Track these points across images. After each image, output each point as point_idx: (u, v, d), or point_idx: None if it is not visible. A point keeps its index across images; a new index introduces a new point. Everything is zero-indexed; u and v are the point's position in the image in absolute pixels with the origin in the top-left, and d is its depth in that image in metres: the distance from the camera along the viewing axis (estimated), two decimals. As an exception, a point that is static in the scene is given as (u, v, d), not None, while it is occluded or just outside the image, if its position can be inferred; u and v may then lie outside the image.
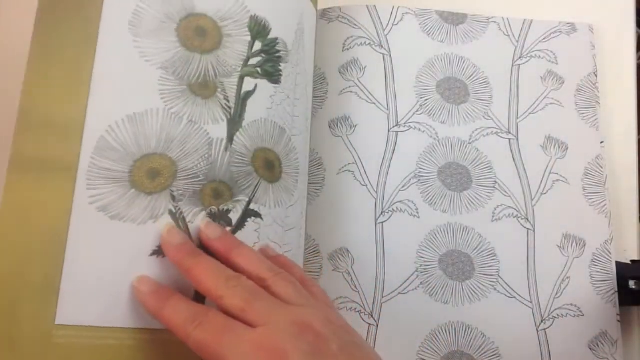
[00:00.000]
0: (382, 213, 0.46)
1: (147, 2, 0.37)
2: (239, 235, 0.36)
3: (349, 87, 0.49)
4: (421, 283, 0.45)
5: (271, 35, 0.41)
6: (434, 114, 0.49)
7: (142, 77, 0.36)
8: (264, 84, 0.39)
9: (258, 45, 0.40)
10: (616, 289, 0.45)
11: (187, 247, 0.33)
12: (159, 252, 0.34)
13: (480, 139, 0.49)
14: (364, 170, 0.47)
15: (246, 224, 0.37)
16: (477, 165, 0.48)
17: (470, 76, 0.51)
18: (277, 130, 0.40)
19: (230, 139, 0.37)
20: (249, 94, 0.39)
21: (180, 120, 0.36)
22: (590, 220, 0.47)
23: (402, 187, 0.47)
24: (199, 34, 0.38)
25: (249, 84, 0.39)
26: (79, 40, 0.36)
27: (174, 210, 0.35)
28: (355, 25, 0.51)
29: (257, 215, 0.37)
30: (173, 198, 0.35)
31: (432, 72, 0.50)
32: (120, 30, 0.36)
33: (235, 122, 0.38)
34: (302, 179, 0.42)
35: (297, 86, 0.42)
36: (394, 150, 0.48)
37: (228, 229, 0.36)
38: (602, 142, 0.49)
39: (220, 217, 0.36)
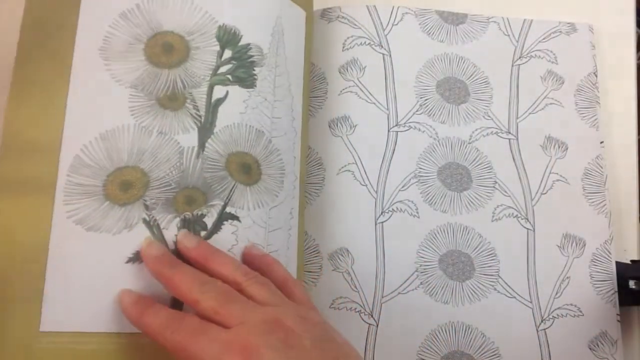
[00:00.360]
0: (382, 213, 0.46)
1: (116, 27, 0.40)
2: (216, 238, 0.37)
3: (349, 87, 0.49)
4: (421, 283, 0.45)
5: (242, 42, 0.42)
6: (434, 114, 0.49)
7: (113, 97, 0.38)
8: (236, 89, 0.41)
9: (228, 53, 0.41)
10: (616, 289, 0.45)
11: (166, 258, 0.34)
12: (134, 259, 0.35)
13: (480, 139, 0.49)
14: (364, 170, 0.47)
15: (222, 227, 0.38)
16: (477, 165, 0.48)
17: (470, 76, 0.51)
18: (253, 134, 0.41)
19: (202, 146, 0.39)
20: (220, 101, 0.40)
21: (150, 133, 0.38)
22: (590, 220, 0.47)
23: (402, 187, 0.47)
24: (166, 50, 0.40)
25: (219, 91, 0.40)
26: (55, 69, 0.39)
27: (148, 219, 0.36)
28: (355, 25, 0.51)
29: (233, 217, 0.38)
30: (146, 207, 0.37)
31: (432, 72, 0.50)
32: (92, 56, 0.39)
33: (206, 129, 0.39)
34: (289, 178, 0.42)
35: (276, 88, 0.43)
36: (394, 150, 0.48)
37: (203, 233, 0.37)
38: (602, 142, 0.49)
39: (194, 222, 0.37)
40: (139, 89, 0.39)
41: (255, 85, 0.42)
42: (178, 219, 0.37)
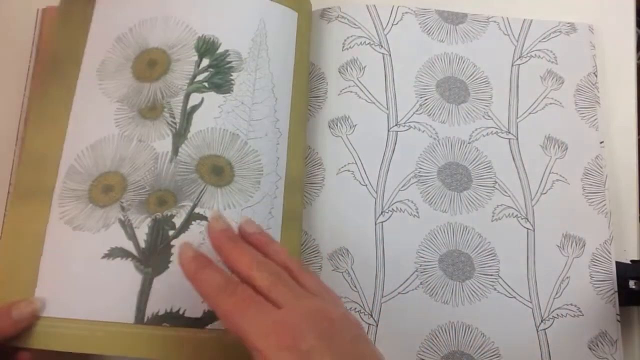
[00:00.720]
0: (382, 213, 0.46)
1: (112, 51, 0.45)
2: (184, 236, 0.40)
3: (349, 86, 0.49)
4: (421, 283, 0.45)
5: (221, 49, 0.45)
6: (433, 114, 0.49)
7: (103, 111, 0.43)
8: (211, 96, 0.43)
9: (205, 62, 0.44)
10: (616, 289, 0.45)
11: (229, 232, 0.36)
12: (109, 255, 0.39)
13: (480, 139, 0.49)
14: (364, 170, 0.47)
15: (190, 226, 0.40)
16: (477, 165, 0.48)
17: (470, 76, 0.51)
18: (227, 137, 0.43)
19: (175, 151, 0.42)
20: (195, 107, 0.43)
21: (131, 141, 0.42)
22: (589, 220, 0.47)
23: (402, 187, 0.47)
24: (150, 65, 0.44)
25: (195, 98, 0.43)
26: (63, 92, 0.44)
27: (123, 219, 0.40)
28: (355, 24, 0.51)
29: (202, 218, 0.41)
30: (122, 208, 0.40)
31: (432, 72, 0.50)
32: (91, 78, 0.44)
33: (180, 135, 0.42)
34: (269, 179, 0.43)
35: (256, 90, 0.45)
36: (394, 150, 0.48)
37: (171, 232, 0.40)
38: (602, 142, 0.49)
39: (164, 222, 0.40)
40: (124, 103, 0.43)
41: (232, 90, 0.44)
42: (149, 219, 0.40)
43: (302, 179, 0.46)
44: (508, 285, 0.45)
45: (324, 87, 0.50)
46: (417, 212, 0.47)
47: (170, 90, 0.43)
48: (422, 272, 0.45)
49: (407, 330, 0.44)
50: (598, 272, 0.46)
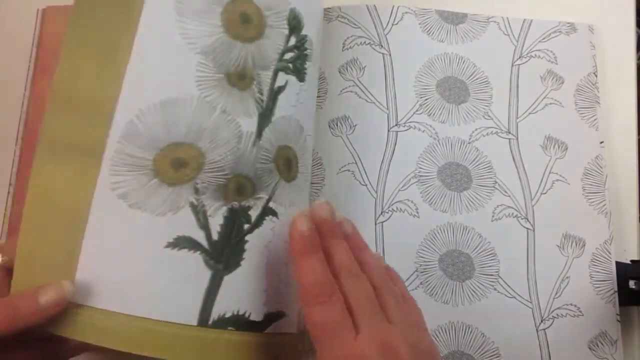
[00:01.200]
0: (382, 213, 0.46)
1: None
2: (257, 233, 0.35)
3: (349, 86, 0.49)
4: (421, 283, 0.45)
5: (303, 32, 0.40)
6: (433, 114, 0.49)
7: (180, 61, 0.34)
8: (293, 80, 0.38)
9: (292, 40, 0.39)
10: (616, 289, 0.45)
11: (333, 224, 0.35)
12: (174, 244, 0.33)
13: (480, 139, 0.49)
14: (364, 170, 0.47)
15: (264, 222, 0.35)
16: (477, 165, 0.48)
17: (470, 76, 0.51)
18: (298, 129, 0.39)
19: (259, 134, 0.36)
20: (281, 89, 0.37)
21: (214, 110, 0.34)
22: (589, 220, 0.47)
23: (402, 186, 0.47)
24: (243, 20, 0.36)
25: (281, 79, 0.38)
26: (120, 16, 0.33)
27: (196, 203, 0.33)
28: (355, 24, 0.51)
29: (274, 213, 0.36)
30: (196, 191, 0.33)
31: (432, 72, 0.50)
32: (165, 9, 0.34)
33: (265, 116, 0.36)
34: (309, 179, 0.42)
35: (315, 86, 0.42)
36: (394, 150, 0.48)
37: (246, 226, 0.35)
38: (602, 142, 0.49)
39: (241, 213, 0.34)
40: (209, 58, 0.34)
41: (305, 80, 0.39)
42: (225, 208, 0.34)
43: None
44: (508, 285, 0.45)
45: (324, 87, 0.50)
46: (417, 212, 0.47)
47: (262, 60, 0.36)
48: (422, 272, 0.45)
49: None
50: (598, 272, 0.46)
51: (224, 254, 0.34)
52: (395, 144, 0.48)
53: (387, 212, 0.46)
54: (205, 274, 0.33)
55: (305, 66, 0.40)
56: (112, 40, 0.33)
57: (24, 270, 0.32)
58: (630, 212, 0.49)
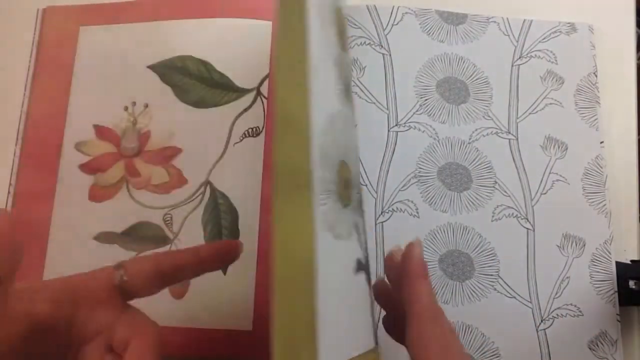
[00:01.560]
0: (382, 213, 0.46)
1: None
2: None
3: (349, 86, 0.49)
4: (421, 283, 0.45)
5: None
6: (434, 114, 0.49)
7: (329, 73, 0.30)
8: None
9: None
10: (616, 289, 0.45)
11: (424, 268, 0.32)
12: (357, 267, 0.29)
13: (480, 139, 0.49)
14: (364, 170, 0.47)
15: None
16: (477, 165, 0.48)
17: (470, 76, 0.51)
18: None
19: (355, 148, 0.32)
20: None
21: (349, 125, 0.31)
22: (589, 220, 0.47)
23: (402, 187, 0.47)
24: (340, 32, 0.32)
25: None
26: (299, 26, 0.28)
27: (356, 222, 0.29)
28: (355, 25, 0.51)
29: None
30: (353, 210, 0.30)
31: (432, 72, 0.50)
32: (314, 12, 0.29)
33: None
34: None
35: None
36: (394, 150, 0.48)
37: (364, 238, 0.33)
38: (602, 142, 0.49)
39: (363, 227, 0.32)
40: (338, 69, 0.30)
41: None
42: (362, 223, 0.31)
43: None
44: (508, 285, 0.45)
45: (324, 87, 0.50)
46: (417, 212, 0.47)
47: (349, 74, 0.33)
48: (422, 272, 0.45)
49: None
50: (598, 272, 0.46)
51: (369, 268, 0.32)
52: (395, 144, 0.48)
53: (387, 212, 0.46)
54: (368, 292, 0.31)
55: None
56: (299, 51, 0.27)
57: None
58: (630, 212, 0.49)
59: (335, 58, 0.31)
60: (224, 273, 0.45)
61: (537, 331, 0.44)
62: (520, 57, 0.51)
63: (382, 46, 0.51)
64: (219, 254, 0.36)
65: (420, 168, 0.48)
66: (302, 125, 0.26)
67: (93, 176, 0.49)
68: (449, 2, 0.53)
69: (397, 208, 0.47)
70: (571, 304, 0.45)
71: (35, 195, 0.48)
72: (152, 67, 0.50)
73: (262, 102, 0.47)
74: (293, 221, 0.24)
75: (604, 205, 0.47)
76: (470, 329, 0.44)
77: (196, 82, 0.49)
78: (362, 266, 0.30)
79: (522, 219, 0.47)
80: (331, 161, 0.28)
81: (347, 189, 0.29)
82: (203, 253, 0.35)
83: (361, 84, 0.49)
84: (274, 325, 0.23)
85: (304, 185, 0.25)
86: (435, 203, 0.47)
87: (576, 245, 0.47)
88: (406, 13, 0.52)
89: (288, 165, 0.25)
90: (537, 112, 0.50)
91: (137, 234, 0.47)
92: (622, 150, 0.50)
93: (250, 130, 0.47)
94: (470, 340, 0.44)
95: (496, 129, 0.49)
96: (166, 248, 0.46)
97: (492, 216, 0.47)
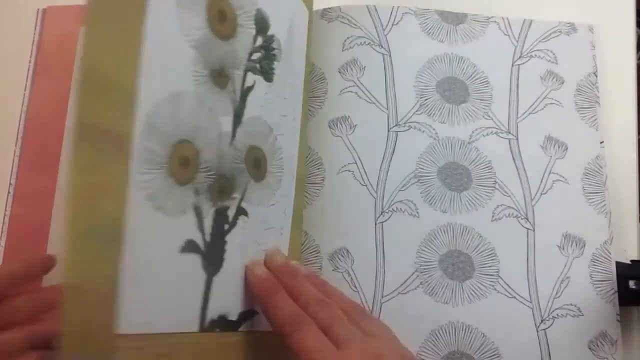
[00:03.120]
0: (382, 213, 0.46)
1: None
2: (233, 233, 0.35)
3: (349, 87, 0.49)
4: (421, 283, 0.45)
5: (270, 32, 0.40)
6: (433, 114, 0.49)
7: (180, 54, 0.32)
8: (260, 80, 0.39)
9: (259, 40, 0.39)
10: (616, 289, 0.45)
11: (294, 270, 0.38)
12: (185, 248, 0.31)
13: (480, 139, 0.49)
14: (364, 170, 0.47)
15: (238, 221, 0.36)
16: (477, 165, 0.48)
17: (470, 76, 0.51)
18: (266, 129, 0.39)
19: (234, 133, 0.36)
20: (250, 89, 0.38)
21: (204, 108, 0.33)
22: (589, 220, 0.47)
23: (402, 187, 0.47)
24: (221, 18, 0.35)
25: (250, 79, 0.38)
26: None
27: (197, 204, 0.32)
28: (355, 25, 0.51)
29: (245, 213, 0.37)
30: (196, 191, 0.32)
31: (432, 72, 0.50)
32: None
33: (238, 116, 0.36)
34: (286, 178, 0.42)
35: (286, 85, 0.42)
36: (394, 150, 0.48)
37: (226, 226, 0.35)
38: (602, 142, 0.49)
39: (222, 214, 0.35)
40: (200, 52, 0.33)
41: (273, 80, 0.40)
42: (213, 209, 0.33)
43: (304, 179, 0.46)
44: (508, 285, 0.45)
45: (324, 87, 0.50)
46: (417, 212, 0.47)
47: (235, 59, 0.36)
48: (422, 272, 0.45)
49: (407, 330, 0.44)
50: (598, 272, 0.46)
51: (213, 255, 0.33)
52: (395, 144, 0.48)
53: (387, 212, 0.46)
54: (202, 277, 0.33)
55: (273, 66, 0.40)
56: (128, 23, 0.28)
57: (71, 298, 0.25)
58: (630, 212, 0.49)
59: (197, 41, 0.33)
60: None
61: (537, 331, 0.44)
62: (520, 57, 0.51)
63: (382, 46, 0.51)
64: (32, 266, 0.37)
65: (420, 168, 0.48)
66: (125, 90, 0.27)
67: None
68: (449, 2, 0.53)
69: (397, 208, 0.47)
70: (571, 304, 0.45)
71: (35, 195, 0.48)
72: None
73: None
74: (102, 178, 0.26)
75: (604, 205, 0.47)
76: (470, 329, 0.44)
77: None
78: (196, 249, 0.32)
79: (522, 219, 0.47)
80: (165, 136, 0.30)
81: (184, 167, 0.31)
82: (15, 267, 0.36)
83: (361, 84, 0.49)
84: (64, 285, 0.24)
85: (118, 148, 0.27)
86: (435, 203, 0.47)
87: (576, 245, 0.46)
88: (406, 13, 0.52)
89: (98, 125, 0.26)
90: (537, 112, 0.50)
91: None
92: (622, 150, 0.50)
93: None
94: (470, 341, 0.44)
95: (496, 128, 0.49)
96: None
97: (492, 216, 0.47)
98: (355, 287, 0.45)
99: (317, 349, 0.31)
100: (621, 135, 0.51)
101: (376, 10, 0.52)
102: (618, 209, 0.48)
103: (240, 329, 0.36)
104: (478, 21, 0.52)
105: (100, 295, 0.26)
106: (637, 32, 0.55)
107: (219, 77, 0.35)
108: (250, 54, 0.38)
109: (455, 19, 0.52)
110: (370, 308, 0.44)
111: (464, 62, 0.51)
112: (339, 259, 0.45)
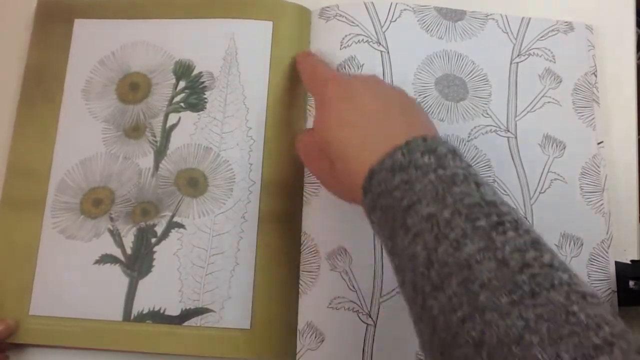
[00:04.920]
0: (380, 212, 0.46)
1: (95, 72, 0.49)
2: (164, 244, 0.46)
3: (347, 84, 0.49)
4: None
5: (195, 72, 0.49)
6: (432, 111, 0.49)
7: (90, 131, 0.48)
8: (187, 114, 0.48)
9: (182, 84, 0.49)
10: (614, 289, 0.45)
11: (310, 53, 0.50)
12: (100, 261, 0.45)
13: (479, 137, 0.49)
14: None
15: (170, 234, 0.46)
16: (476, 163, 0.48)
17: (469, 73, 0.50)
18: (201, 151, 0.47)
19: (157, 167, 0.47)
20: (173, 126, 0.48)
21: (117, 159, 0.47)
22: (587, 219, 0.47)
23: (401, 185, 0.47)
24: (132, 88, 0.49)
25: (173, 118, 0.48)
26: (48, 107, 0.48)
27: (112, 229, 0.46)
28: (353, 22, 0.51)
29: (180, 226, 0.46)
30: (111, 219, 0.46)
31: (430, 69, 0.50)
32: (76, 97, 0.49)
33: (160, 152, 0.47)
34: (241, 185, 0.47)
35: (227, 105, 0.48)
36: (392, 148, 0.47)
37: (153, 239, 0.46)
38: (601, 142, 0.49)
39: (147, 231, 0.46)
40: (110, 123, 0.48)
41: (205, 108, 0.48)
42: (135, 228, 0.46)
43: (285, 181, 0.47)
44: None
45: (322, 85, 0.49)
46: (416, 211, 0.46)
47: (151, 111, 0.48)
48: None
49: (406, 330, 0.43)
50: (596, 271, 0.46)
51: (136, 263, 0.45)
52: (394, 142, 0.48)
53: (386, 211, 0.46)
54: (124, 281, 0.45)
55: (205, 96, 0.48)
56: (43, 123, 0.48)
57: None
58: (630, 212, 0.49)
59: (107, 115, 0.48)
60: None
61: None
62: (519, 55, 0.51)
63: (380, 43, 0.50)
64: None
65: (418, 166, 0.47)
66: (40, 173, 0.47)
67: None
68: (448, -1, 0.52)
69: (395, 207, 0.46)
70: (570, 304, 0.45)
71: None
72: None
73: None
74: (14, 227, 0.46)
75: (602, 204, 0.47)
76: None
77: None
78: (114, 260, 0.45)
79: (521, 218, 0.47)
80: (77, 190, 0.47)
81: (97, 206, 0.47)
82: None
83: (359, 81, 0.49)
84: None
85: (33, 205, 0.47)
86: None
87: (574, 244, 0.46)
88: (404, 10, 0.51)
89: (20, 194, 0.47)
90: (535, 110, 0.50)
91: None
92: (622, 150, 0.50)
93: None
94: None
95: (495, 126, 0.49)
96: None
97: (491, 215, 0.46)
98: (354, 287, 0.44)
99: (319, 78, 0.43)
100: (621, 135, 0.51)
101: (374, 7, 0.51)
102: (618, 209, 0.48)
103: (186, 324, 0.44)
104: (477, 18, 0.52)
105: (18, 293, 0.45)
106: (637, 32, 0.55)
107: (134, 131, 0.48)
108: (172, 98, 0.49)
109: (453, 15, 0.52)
110: (369, 308, 0.44)
111: (462, 59, 0.51)
112: (337, 259, 0.45)
